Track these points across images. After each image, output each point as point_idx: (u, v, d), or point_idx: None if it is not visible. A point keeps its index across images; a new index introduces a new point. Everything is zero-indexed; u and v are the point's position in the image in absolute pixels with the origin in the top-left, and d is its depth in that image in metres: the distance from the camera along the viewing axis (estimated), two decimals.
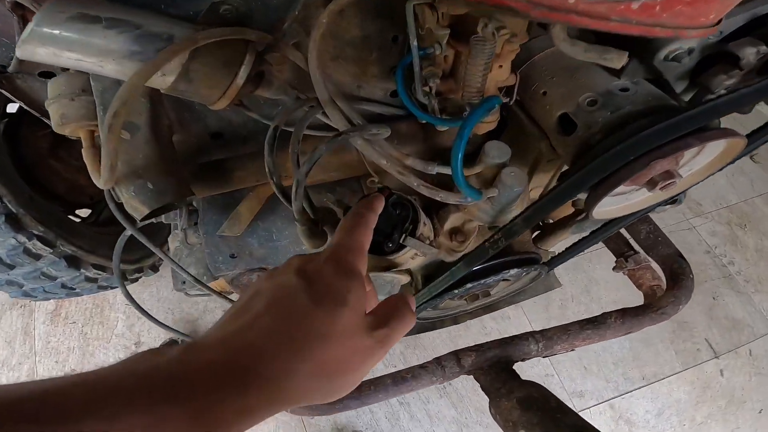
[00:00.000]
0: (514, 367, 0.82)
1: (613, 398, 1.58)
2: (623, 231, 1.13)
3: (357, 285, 0.34)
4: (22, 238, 0.95)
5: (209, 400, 0.25)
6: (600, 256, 1.79)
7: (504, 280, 0.78)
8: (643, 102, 0.49)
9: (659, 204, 0.64)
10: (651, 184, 0.49)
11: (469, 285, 0.64)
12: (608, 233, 0.72)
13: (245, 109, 0.54)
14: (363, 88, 0.60)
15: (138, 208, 0.55)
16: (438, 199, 0.52)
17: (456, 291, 0.64)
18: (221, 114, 0.62)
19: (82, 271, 1.07)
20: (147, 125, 0.53)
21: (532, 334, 0.84)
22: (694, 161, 0.51)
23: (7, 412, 0.20)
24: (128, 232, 0.74)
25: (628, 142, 0.44)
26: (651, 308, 0.94)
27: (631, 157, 0.45)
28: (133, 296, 0.85)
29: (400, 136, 0.63)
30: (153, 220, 0.62)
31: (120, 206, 0.69)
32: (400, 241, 0.52)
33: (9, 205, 0.92)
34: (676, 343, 1.69)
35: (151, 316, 0.88)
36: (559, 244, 0.84)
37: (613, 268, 1.19)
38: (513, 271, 0.66)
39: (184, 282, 0.76)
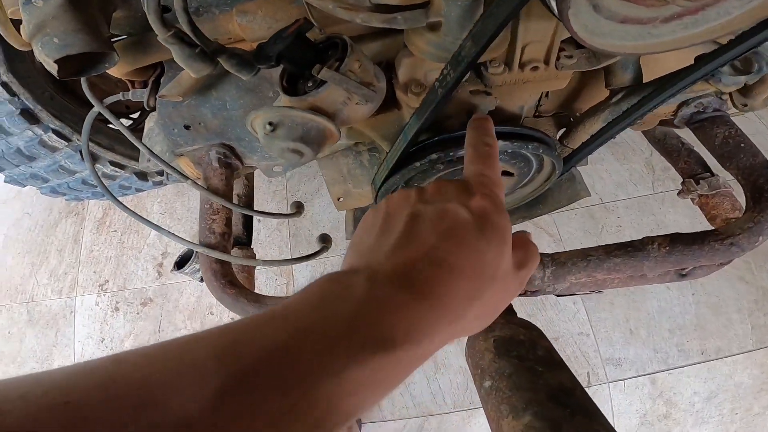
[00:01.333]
0: (524, 311, 0.66)
1: (657, 372, 1.33)
2: (702, 152, 0.90)
3: (510, 224, 0.34)
4: (38, 131, 1.01)
5: (408, 347, 0.25)
6: (677, 198, 1.51)
7: (501, 172, 0.63)
8: None
9: (717, 60, 0.45)
10: None
11: (434, 156, 0.51)
12: (645, 108, 0.53)
13: None
14: None
15: (47, 62, 0.53)
16: (359, 21, 0.40)
17: (418, 164, 0.51)
18: None
19: (99, 166, 1.10)
20: None
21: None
22: None
23: (253, 376, 0.20)
24: (96, 108, 0.72)
25: None
26: (715, 236, 0.70)
27: None
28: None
29: None
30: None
31: (90, 85, 0.68)
32: (317, 74, 0.41)
33: (26, 102, 0.99)
34: (755, 315, 1.36)
35: (140, 216, 0.86)
36: None
37: (678, 193, 0.96)
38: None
39: (149, 159, 0.72)
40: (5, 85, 0.95)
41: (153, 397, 0.18)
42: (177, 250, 1.57)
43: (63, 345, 1.60)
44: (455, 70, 0.39)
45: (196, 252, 1.58)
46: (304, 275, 1.54)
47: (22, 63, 1.00)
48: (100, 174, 1.13)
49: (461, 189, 0.33)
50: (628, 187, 1.57)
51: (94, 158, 1.09)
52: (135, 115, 1.33)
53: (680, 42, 0.39)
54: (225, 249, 0.67)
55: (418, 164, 0.52)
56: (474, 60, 0.37)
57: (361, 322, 0.24)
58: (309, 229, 1.61)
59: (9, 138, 0.99)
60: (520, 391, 0.52)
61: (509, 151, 0.55)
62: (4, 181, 1.15)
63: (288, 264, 0.66)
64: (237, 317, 1.51)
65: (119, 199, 1.45)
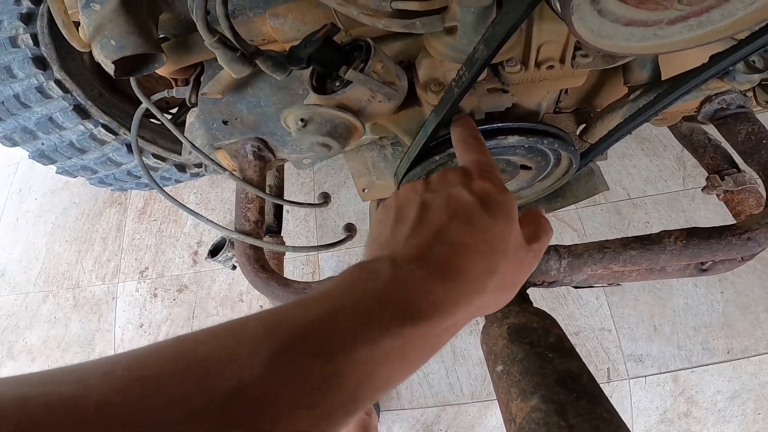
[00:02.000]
0: (547, 305, 0.68)
1: (680, 370, 1.31)
2: (726, 146, 0.89)
3: (514, 200, 0.36)
4: (89, 125, 1.09)
5: (434, 320, 0.27)
6: (707, 195, 1.48)
7: (520, 166, 0.66)
8: None
9: (729, 59, 0.46)
10: None
11: (452, 150, 0.54)
12: (660, 104, 0.55)
13: None
14: None
15: (106, 62, 0.59)
16: (380, 26, 0.44)
17: (437, 158, 0.55)
18: None
19: (143, 159, 1.18)
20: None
21: (555, 247, 0.67)
22: None
23: (298, 344, 0.23)
24: (144, 105, 0.78)
25: None
26: (732, 230, 0.71)
27: None
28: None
29: None
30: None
31: (138, 84, 0.74)
32: (344, 75, 0.45)
33: (78, 98, 1.07)
34: None
35: (179, 202, 0.93)
36: None
37: (703, 188, 0.96)
38: (512, 139, 0.54)
39: (190, 152, 0.78)
40: (59, 83, 1.04)
41: (214, 368, 0.21)
42: (211, 239, 1.66)
43: (104, 330, 1.70)
44: (470, 71, 0.42)
45: (228, 241, 1.65)
46: (329, 264, 1.60)
47: (73, 61, 1.08)
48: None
49: (462, 175, 0.36)
50: (658, 183, 1.55)
51: (140, 151, 1.17)
52: (174, 110, 1.41)
53: (688, 42, 0.41)
54: (258, 236, 0.72)
55: (437, 157, 0.55)
56: (487, 62, 0.40)
57: (389, 298, 0.27)
58: (335, 220, 1.66)
59: (62, 132, 1.08)
60: (529, 375, 0.55)
61: (525, 146, 0.57)
62: (56, 172, 1.25)
63: (316, 251, 0.70)
64: (267, 305, 1.57)
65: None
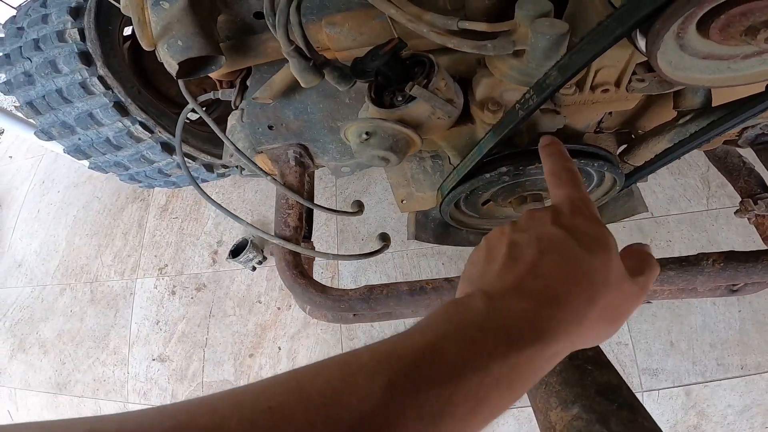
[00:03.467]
0: None
1: (693, 384, 1.32)
2: (762, 171, 0.89)
3: (610, 234, 0.35)
4: (127, 122, 1.11)
5: (537, 346, 0.27)
6: (731, 216, 1.48)
7: None
8: None
9: None
10: (750, 35, 0.35)
11: (503, 169, 0.54)
12: (714, 132, 0.55)
13: None
14: None
15: (170, 63, 0.60)
16: (450, 46, 0.44)
17: (488, 175, 0.55)
18: None
19: (174, 157, 1.20)
20: None
21: None
22: None
23: (413, 372, 0.23)
24: (190, 106, 0.79)
25: None
26: None
27: None
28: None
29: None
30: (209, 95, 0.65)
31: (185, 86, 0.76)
32: (409, 91, 0.46)
33: (118, 95, 1.09)
34: None
35: (215, 201, 0.94)
36: None
37: (736, 212, 0.96)
38: None
39: (231, 155, 0.79)
40: (101, 79, 1.05)
41: (333, 398, 0.22)
42: (231, 239, 1.67)
43: (120, 326, 1.71)
44: (538, 95, 0.42)
45: (251, 243, 1.66)
46: (348, 270, 1.61)
47: (114, 58, 1.09)
48: (174, 165, 1.23)
49: (553, 213, 0.36)
50: (681, 202, 1.55)
51: (170, 150, 1.19)
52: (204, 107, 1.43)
53: (758, 76, 0.42)
54: (297, 241, 0.73)
55: (487, 176, 0.56)
56: (558, 88, 0.41)
57: (490, 326, 0.27)
58: (356, 226, 1.67)
59: (100, 128, 1.10)
60: (569, 386, 0.56)
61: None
62: (89, 167, 1.27)
63: (358, 259, 0.71)
64: (284, 308, 1.56)
65: (183, 187, 1.55)
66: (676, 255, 1.49)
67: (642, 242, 0.39)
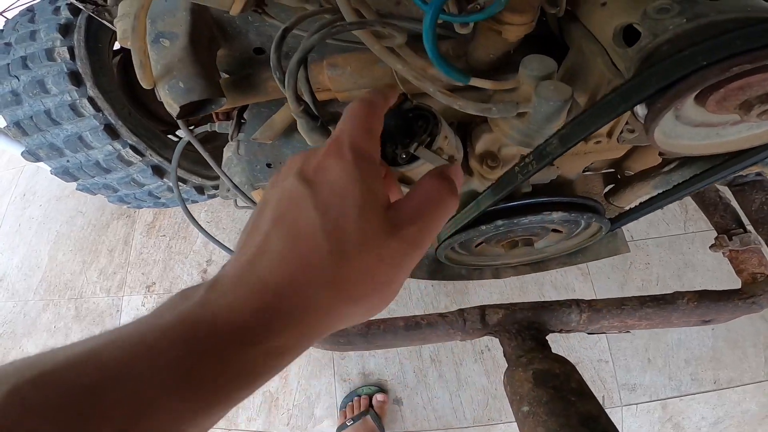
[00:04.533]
0: (549, 338, 0.72)
1: (669, 398, 1.40)
2: (736, 206, 0.94)
3: (367, 172, 0.28)
4: (118, 146, 1.09)
5: (237, 350, 0.23)
6: (706, 238, 1.54)
7: (552, 229, 0.69)
8: (738, 9, 0.36)
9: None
10: (744, 109, 0.37)
11: (499, 222, 0.57)
12: (696, 186, 0.59)
13: (266, 15, 0.53)
14: (402, 4, 0.54)
15: (171, 105, 0.60)
16: (456, 107, 0.46)
17: (483, 227, 0.58)
18: (260, 29, 0.64)
19: (165, 180, 1.19)
20: (186, 35, 0.58)
21: (576, 302, 0.72)
22: None
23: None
24: (186, 138, 0.80)
25: (703, 44, 0.34)
26: (740, 294, 0.76)
27: (705, 63, 0.34)
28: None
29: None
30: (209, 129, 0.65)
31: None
32: (413, 152, 0.48)
33: (109, 117, 1.07)
34: None
35: (199, 224, 0.94)
36: None
37: (711, 246, 1.00)
38: (556, 215, 0.57)
39: (229, 189, 0.80)
40: (91, 100, 1.03)
41: None
42: (221, 258, 1.66)
43: None
44: (538, 162, 0.44)
45: None
46: None
47: (105, 77, 1.07)
48: (164, 188, 1.22)
49: (307, 155, 0.30)
50: (660, 225, 1.61)
51: (161, 173, 1.18)
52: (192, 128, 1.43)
53: (743, 142, 0.45)
54: None
55: (484, 227, 0.58)
56: (557, 156, 0.43)
57: (185, 330, 0.24)
58: None
59: (90, 151, 1.08)
60: (554, 416, 0.59)
61: (566, 220, 0.61)
62: (77, 189, 1.25)
63: None
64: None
65: (175, 209, 1.53)
66: (654, 276, 1.55)
67: (442, 168, 0.33)
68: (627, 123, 0.59)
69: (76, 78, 1.02)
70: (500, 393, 1.42)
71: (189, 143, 1.20)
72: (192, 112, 0.64)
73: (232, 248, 0.80)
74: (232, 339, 0.23)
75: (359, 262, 0.26)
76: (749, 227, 0.89)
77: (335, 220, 0.26)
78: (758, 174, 0.83)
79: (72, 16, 1.05)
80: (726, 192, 0.97)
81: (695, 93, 0.36)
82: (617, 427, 0.53)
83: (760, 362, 1.40)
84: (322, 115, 0.51)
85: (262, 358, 0.24)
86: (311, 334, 0.26)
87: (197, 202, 1.39)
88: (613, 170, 0.81)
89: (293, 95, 0.48)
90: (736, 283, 0.84)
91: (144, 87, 0.61)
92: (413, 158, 0.50)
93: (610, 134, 0.58)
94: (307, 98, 0.50)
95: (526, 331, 0.68)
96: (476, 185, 0.58)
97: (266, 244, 0.26)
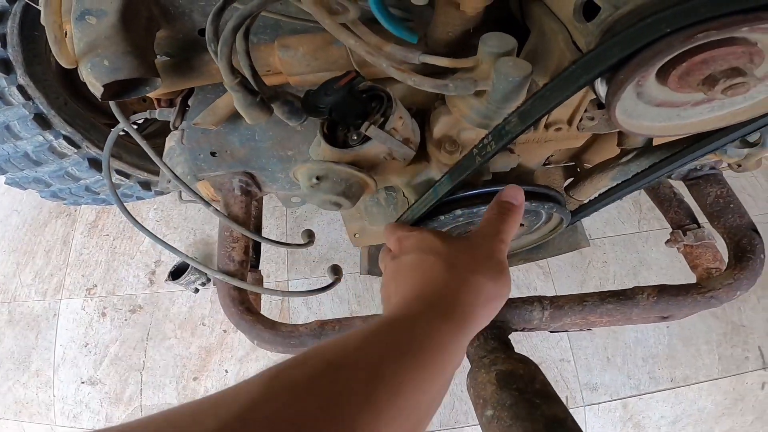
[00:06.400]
0: (512, 338, 0.70)
1: (629, 397, 1.42)
2: (691, 202, 0.95)
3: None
4: (49, 136, 1.00)
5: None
6: (659, 237, 1.58)
7: None
8: None
9: (730, 136, 0.49)
10: (708, 84, 0.35)
11: (458, 212, 0.53)
12: (655, 175, 0.57)
13: None
14: None
15: (94, 84, 0.53)
16: (411, 83, 0.42)
17: (442, 217, 0.54)
18: (206, 9, 0.59)
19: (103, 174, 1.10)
20: (116, 12, 0.52)
21: (539, 298, 0.70)
22: None
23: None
24: (120, 125, 0.73)
25: (667, 12, 0.31)
26: (698, 289, 0.75)
27: (669, 30, 0.32)
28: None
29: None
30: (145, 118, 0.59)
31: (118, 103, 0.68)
32: (364, 132, 0.44)
33: (40, 106, 0.98)
34: (723, 346, 1.47)
35: (135, 219, 0.86)
36: None
37: (666, 242, 1.01)
38: None
39: (170, 181, 0.73)
40: (21, 89, 0.95)
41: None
42: (171, 259, 1.56)
43: (43, 348, 1.57)
44: (497, 142, 0.41)
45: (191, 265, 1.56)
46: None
47: (39, 65, 0.99)
48: (104, 183, 1.13)
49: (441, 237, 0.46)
50: (616, 224, 1.64)
51: (99, 166, 1.09)
52: (140, 121, 1.33)
53: (706, 124, 0.43)
54: (243, 276, 0.68)
55: (443, 218, 0.54)
56: (518, 135, 0.40)
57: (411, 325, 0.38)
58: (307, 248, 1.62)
59: (18, 142, 0.99)
60: (519, 420, 0.56)
61: (527, 209, 0.58)
62: (5, 183, 1.14)
63: (308, 295, 0.68)
64: (230, 330, 1.47)
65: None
66: (611, 275, 1.58)
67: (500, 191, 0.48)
68: (586, 110, 0.57)
69: (5, 65, 0.94)
70: (466, 395, 1.41)
71: (129, 138, 1.12)
72: (120, 94, 0.58)
73: (178, 248, 0.73)
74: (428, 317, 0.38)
75: (487, 287, 0.43)
76: (705, 223, 0.90)
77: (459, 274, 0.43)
78: (712, 168, 0.84)
79: (8, 4, 0.96)
80: (681, 188, 0.98)
81: (658, 65, 0.34)
82: (581, 428, 0.50)
83: (714, 360, 1.45)
84: (263, 91, 0.46)
85: (454, 346, 0.38)
86: (471, 330, 0.41)
87: (143, 199, 1.30)
88: (573, 163, 0.80)
89: (227, 66, 0.43)
90: (690, 281, 0.84)
91: (63, 66, 0.54)
92: (365, 139, 0.46)
93: (570, 121, 0.56)
94: (246, 72, 0.45)
95: (488, 330, 0.65)
96: (434, 173, 0.55)
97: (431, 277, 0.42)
